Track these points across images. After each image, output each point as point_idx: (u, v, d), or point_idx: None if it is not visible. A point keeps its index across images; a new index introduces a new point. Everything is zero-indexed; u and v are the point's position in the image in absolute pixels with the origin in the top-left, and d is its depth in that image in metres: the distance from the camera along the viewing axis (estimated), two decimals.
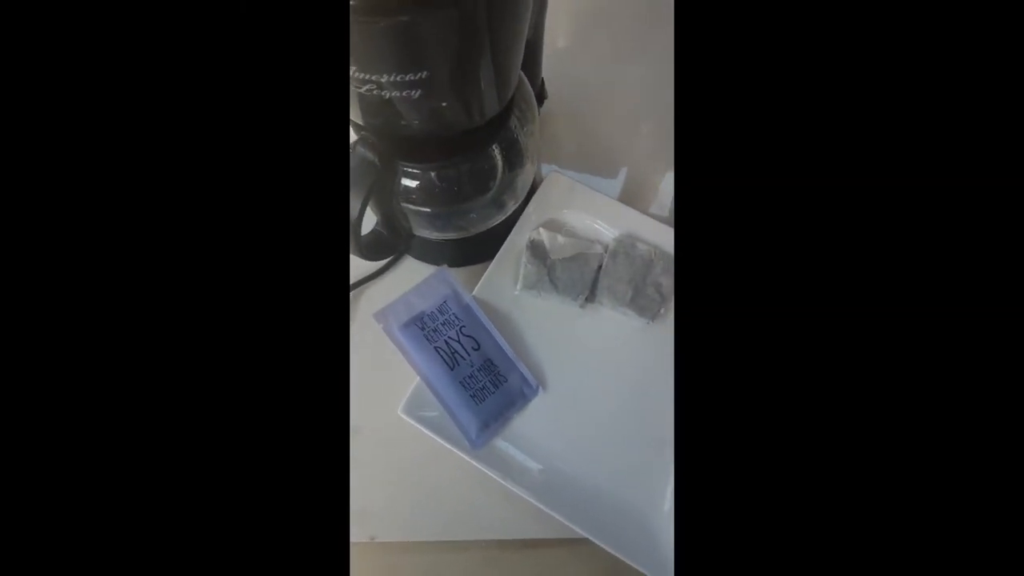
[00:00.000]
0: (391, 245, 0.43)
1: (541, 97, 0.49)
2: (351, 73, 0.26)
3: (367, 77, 0.26)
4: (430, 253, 0.46)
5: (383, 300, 0.43)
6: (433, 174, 0.39)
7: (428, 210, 0.41)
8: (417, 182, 0.39)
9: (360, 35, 0.23)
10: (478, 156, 0.40)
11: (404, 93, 0.27)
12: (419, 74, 0.26)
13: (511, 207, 0.44)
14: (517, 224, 0.44)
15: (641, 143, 0.52)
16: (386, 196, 0.37)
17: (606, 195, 0.45)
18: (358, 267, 0.45)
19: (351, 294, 0.46)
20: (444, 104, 0.29)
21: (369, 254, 0.38)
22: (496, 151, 0.41)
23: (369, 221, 0.37)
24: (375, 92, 0.27)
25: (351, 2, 0.21)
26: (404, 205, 0.40)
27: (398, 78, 0.26)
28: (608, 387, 0.41)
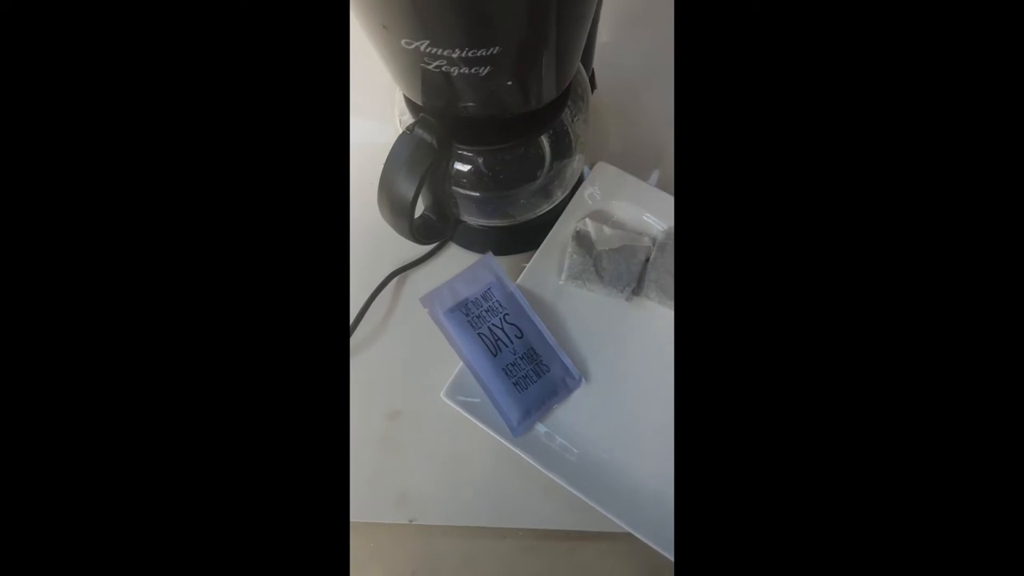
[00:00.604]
0: (439, 230, 0.44)
1: (591, 87, 0.49)
2: (421, 49, 0.26)
3: (439, 52, 0.26)
4: (476, 241, 0.47)
5: (426, 286, 0.44)
6: (483, 159, 0.40)
7: (478, 195, 0.41)
8: (468, 166, 0.39)
9: (435, 8, 0.24)
10: (530, 142, 0.40)
11: (472, 70, 0.27)
12: (490, 50, 0.26)
13: (558, 196, 0.44)
14: (564, 213, 0.44)
15: None
16: (439, 179, 0.37)
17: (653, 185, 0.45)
18: (403, 252, 0.45)
19: (395, 280, 0.46)
20: (508, 84, 0.29)
21: (420, 237, 0.39)
22: (547, 139, 0.41)
23: (417, 209, 0.38)
24: (443, 69, 0.27)
25: None
26: (454, 189, 0.40)
27: (469, 53, 0.26)
28: (652, 382, 0.41)
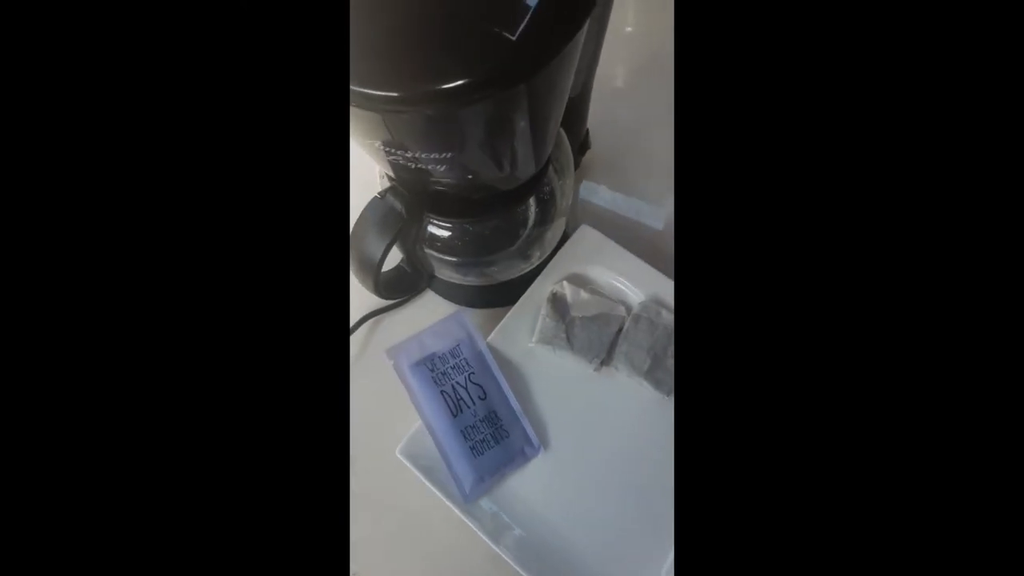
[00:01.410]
0: (412, 283, 0.44)
1: (584, 147, 0.48)
2: (375, 145, 0.26)
3: (392, 151, 0.26)
4: (452, 291, 0.46)
5: (399, 331, 0.44)
6: (457, 227, 0.39)
7: (452, 259, 0.41)
8: (443, 232, 0.39)
9: (383, 120, 0.23)
10: (506, 215, 0.40)
11: (431, 165, 0.27)
12: (444, 154, 0.26)
13: (537, 259, 0.44)
14: (541, 275, 0.43)
15: None
16: (410, 242, 0.37)
17: (635, 255, 0.44)
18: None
19: (369, 323, 0.46)
20: (470, 177, 0.29)
21: (388, 293, 0.39)
22: (527, 206, 0.41)
23: (394, 256, 0.37)
24: (401, 161, 0.27)
25: (376, 92, 0.21)
26: (428, 251, 0.40)
27: (423, 155, 0.26)
28: (612, 457, 0.40)
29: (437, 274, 0.43)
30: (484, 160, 0.28)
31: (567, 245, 0.44)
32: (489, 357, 0.41)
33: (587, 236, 0.44)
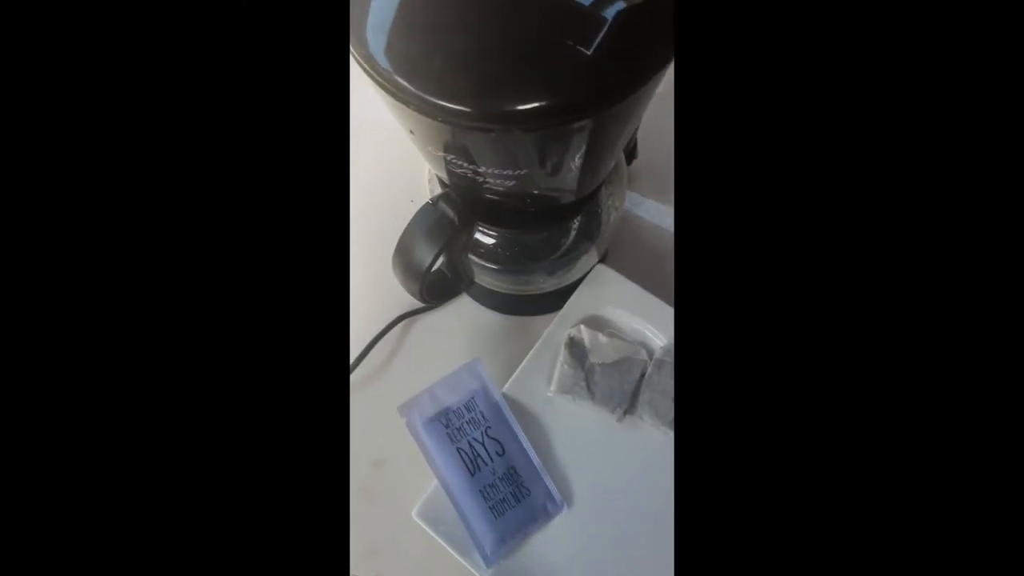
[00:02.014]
0: (452, 287, 0.43)
1: (631, 156, 0.46)
2: (447, 159, 0.25)
3: (464, 165, 0.24)
4: (487, 297, 0.45)
5: (434, 334, 0.44)
6: (504, 236, 0.38)
7: (495, 267, 0.39)
8: (487, 239, 0.38)
9: (459, 135, 0.22)
10: (558, 225, 0.39)
11: (498, 181, 0.25)
12: (517, 171, 0.24)
13: (579, 272, 0.42)
14: (557, 318, 0.41)
15: None
16: (457, 249, 0.36)
17: (655, 294, 0.42)
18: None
19: (405, 321, 0.45)
20: (536, 191, 0.28)
21: (430, 297, 0.38)
22: (575, 223, 0.40)
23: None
24: (468, 175, 0.25)
25: (460, 108, 0.20)
26: (471, 257, 0.39)
27: (494, 170, 0.24)
28: (640, 512, 0.38)
29: (476, 280, 0.42)
30: (552, 178, 0.27)
31: (582, 286, 0.42)
32: (506, 409, 0.40)
33: (603, 276, 0.42)
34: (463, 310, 0.46)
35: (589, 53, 0.20)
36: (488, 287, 0.43)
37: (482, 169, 0.25)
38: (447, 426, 0.39)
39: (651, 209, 0.48)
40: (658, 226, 0.48)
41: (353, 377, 0.43)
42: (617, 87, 0.21)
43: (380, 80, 0.20)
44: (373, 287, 0.43)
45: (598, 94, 0.21)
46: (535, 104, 0.19)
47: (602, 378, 0.39)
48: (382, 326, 0.44)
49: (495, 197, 0.30)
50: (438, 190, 0.34)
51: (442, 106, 0.19)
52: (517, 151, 0.23)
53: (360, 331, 0.43)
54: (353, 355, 0.43)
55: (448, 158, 0.24)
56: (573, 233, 0.40)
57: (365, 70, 0.21)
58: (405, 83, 0.19)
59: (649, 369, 0.40)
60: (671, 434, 0.38)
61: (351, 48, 0.21)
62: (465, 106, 0.19)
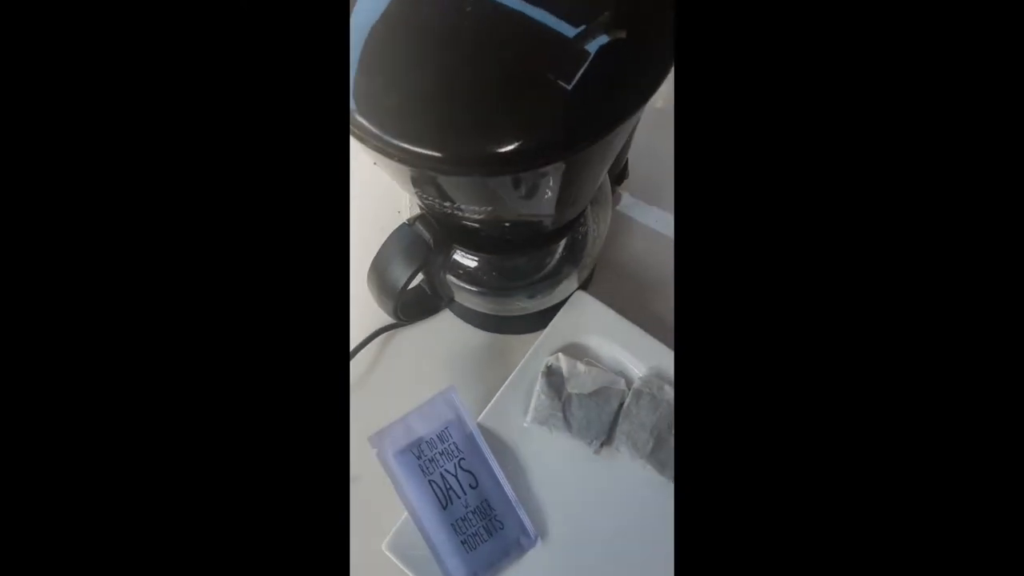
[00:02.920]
0: (431, 306, 0.43)
1: (622, 177, 0.46)
2: (412, 190, 0.24)
3: (431, 200, 0.23)
4: (468, 315, 0.44)
5: (414, 348, 0.43)
6: (483, 260, 0.37)
7: (474, 289, 0.38)
8: (467, 261, 0.37)
9: (424, 175, 0.21)
10: (539, 251, 0.38)
11: (472, 213, 0.24)
12: (489, 208, 0.23)
13: (561, 296, 0.41)
14: (535, 346, 0.41)
15: None
16: (434, 270, 0.36)
17: (634, 323, 0.41)
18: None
19: (380, 338, 0.44)
20: (508, 224, 0.27)
21: (406, 315, 0.38)
22: (557, 247, 0.38)
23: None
24: (437, 207, 0.24)
25: (421, 151, 0.19)
26: (449, 277, 0.38)
27: (466, 206, 0.23)
28: (615, 547, 0.37)
29: (456, 299, 0.41)
30: (529, 209, 0.27)
31: (561, 312, 0.41)
32: (480, 440, 0.39)
33: (582, 303, 0.41)
34: (443, 325, 0.45)
35: (569, 88, 0.19)
36: (468, 306, 0.43)
37: (452, 204, 0.24)
38: (419, 457, 0.38)
39: (639, 231, 0.48)
40: (643, 251, 0.47)
41: None
42: (598, 123, 0.20)
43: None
44: (353, 299, 0.42)
45: (576, 133, 0.20)
46: (505, 147, 0.18)
47: (579, 408, 0.39)
48: (361, 338, 0.43)
49: (472, 224, 0.29)
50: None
51: (402, 148, 0.18)
52: (488, 190, 0.22)
53: None
54: None
55: (418, 192, 0.23)
56: (555, 257, 0.40)
57: None
58: (363, 121, 0.18)
59: (627, 400, 0.39)
60: (649, 467, 0.38)
61: None
62: (426, 149, 0.18)
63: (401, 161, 0.18)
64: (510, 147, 0.18)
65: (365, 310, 0.40)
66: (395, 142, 0.18)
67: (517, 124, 0.18)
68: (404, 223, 0.30)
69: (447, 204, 0.24)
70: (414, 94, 0.18)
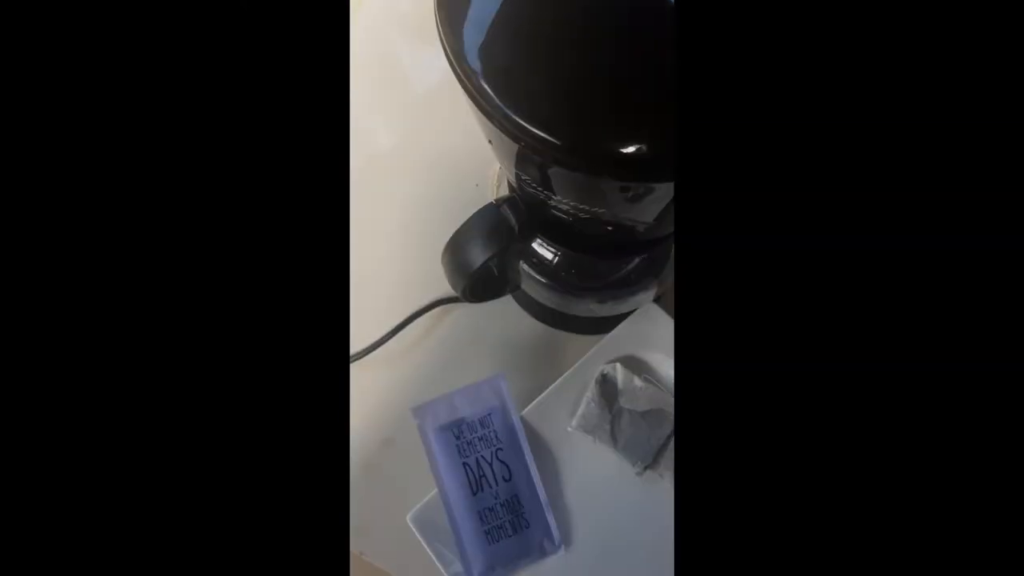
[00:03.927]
0: (497, 289, 0.42)
1: None
2: (522, 177, 0.23)
3: (539, 190, 0.22)
4: (530, 304, 0.43)
5: (470, 324, 0.43)
6: (562, 254, 0.35)
7: (544, 280, 0.37)
8: (544, 252, 0.35)
9: (541, 163, 0.20)
10: (623, 257, 0.36)
11: (571, 208, 0.23)
12: (595, 208, 0.22)
13: (631, 306, 0.39)
14: (594, 349, 0.39)
15: None
16: (511, 254, 0.35)
17: None
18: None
19: (438, 309, 0.43)
20: (609, 227, 0.26)
21: (472, 298, 0.37)
22: (641, 258, 0.36)
23: None
24: (541, 197, 0.23)
25: (550, 139, 0.17)
26: (521, 264, 0.37)
27: (571, 204, 0.22)
28: (638, 573, 0.35)
29: (523, 286, 0.40)
30: (630, 215, 0.25)
31: (627, 321, 0.39)
32: (521, 434, 0.38)
33: (651, 315, 0.39)
34: (504, 310, 0.44)
35: None
36: (533, 296, 0.41)
37: (556, 197, 0.22)
38: (458, 437, 0.37)
39: None
40: None
41: (380, 353, 0.42)
42: None
43: (466, 82, 0.18)
44: (420, 264, 0.41)
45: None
46: (637, 151, 0.17)
47: (629, 425, 0.37)
48: (421, 305, 0.42)
49: (563, 217, 0.27)
50: (505, 186, 0.32)
51: (530, 131, 0.17)
52: (600, 191, 0.21)
53: (396, 307, 0.42)
54: (386, 330, 0.42)
55: (523, 177, 0.22)
56: (635, 266, 0.37)
57: (452, 65, 0.18)
58: (493, 95, 0.17)
59: None
60: None
61: (440, 36, 0.18)
62: (556, 138, 0.17)
63: (525, 146, 0.17)
64: (642, 152, 0.16)
65: (429, 278, 0.40)
66: (524, 124, 0.17)
67: (655, 129, 0.16)
68: (491, 203, 0.29)
69: (542, 192, 0.23)
70: (552, 78, 0.17)
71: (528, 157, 0.19)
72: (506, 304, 0.44)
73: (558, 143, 0.16)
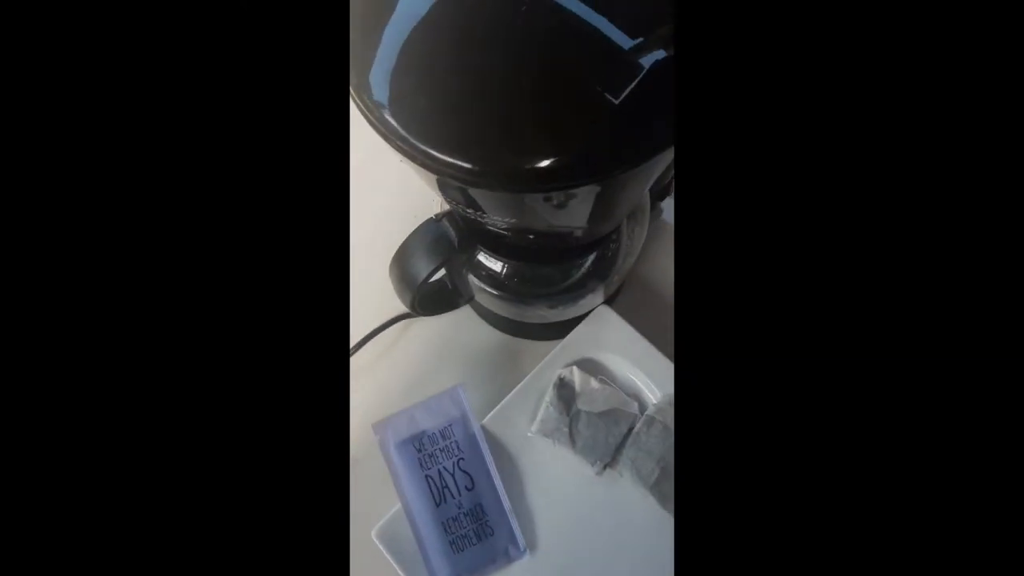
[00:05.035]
0: (451, 301, 0.42)
1: (665, 193, 0.44)
2: (436, 196, 0.23)
3: (459, 205, 0.23)
4: (488, 315, 0.43)
5: (429, 338, 0.43)
6: (509, 265, 0.36)
7: (495, 292, 0.38)
8: (491, 264, 0.36)
9: (463, 191, 0.20)
10: (566, 263, 0.37)
11: (495, 221, 0.24)
12: (516, 221, 0.22)
13: (585, 308, 0.40)
14: (550, 355, 0.40)
15: None
16: (456, 268, 0.35)
17: (656, 346, 0.39)
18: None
19: (398, 325, 0.43)
20: (532, 236, 0.26)
21: (424, 309, 0.37)
22: (586, 261, 0.37)
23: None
24: (463, 212, 0.23)
25: (446, 159, 0.18)
26: (470, 277, 0.37)
27: (493, 216, 0.23)
28: (603, 570, 0.36)
29: (476, 298, 0.41)
30: (556, 224, 0.25)
31: (581, 325, 0.40)
32: (483, 442, 0.38)
33: (604, 318, 0.40)
34: (462, 320, 0.44)
35: (616, 102, 0.18)
36: (487, 307, 0.42)
37: (477, 212, 0.23)
38: (419, 450, 0.38)
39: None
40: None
41: None
42: (643, 145, 0.18)
43: (369, 116, 0.18)
44: (381, 281, 0.41)
45: (618, 154, 0.18)
46: (537, 163, 0.17)
47: (587, 427, 0.38)
48: (380, 322, 0.43)
49: (499, 231, 0.28)
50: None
51: (427, 153, 0.17)
52: (516, 203, 0.21)
53: (359, 324, 0.42)
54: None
55: (447, 199, 0.23)
56: (582, 270, 0.38)
57: (355, 101, 0.19)
58: (392, 121, 0.17)
59: (638, 425, 0.38)
60: (650, 498, 0.36)
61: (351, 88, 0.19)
62: (451, 157, 0.17)
63: (425, 167, 0.17)
64: (543, 163, 0.17)
65: (386, 295, 0.41)
66: (421, 146, 0.17)
67: (553, 138, 0.17)
68: (431, 218, 0.30)
69: (471, 211, 0.23)
70: (445, 97, 0.17)
71: (445, 182, 0.19)
72: (465, 315, 0.44)
73: (453, 161, 0.17)
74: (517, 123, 0.17)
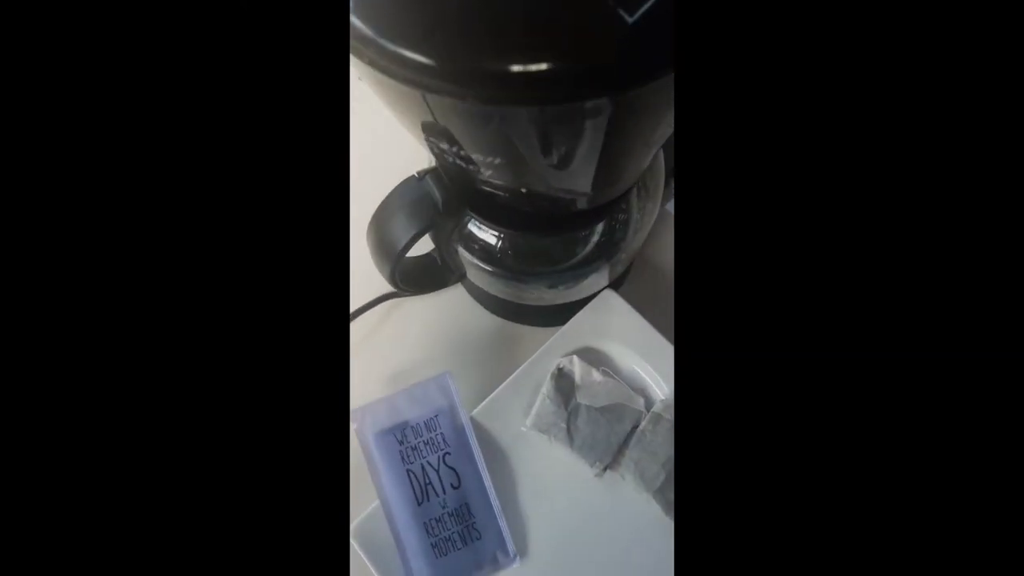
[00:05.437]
0: (440, 279, 0.39)
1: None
2: (412, 124, 0.20)
3: (442, 145, 0.19)
4: (482, 296, 0.39)
5: (417, 320, 0.39)
6: (504, 235, 0.32)
7: (488, 268, 0.34)
8: (483, 234, 0.32)
9: (428, 101, 0.17)
10: (566, 235, 0.33)
11: (490, 170, 0.20)
12: (507, 161, 0.19)
13: (588, 291, 0.36)
14: (548, 343, 0.36)
15: None
16: (443, 237, 0.31)
17: (665, 337, 0.36)
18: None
19: (385, 305, 0.40)
20: (524, 190, 0.23)
21: (408, 284, 0.34)
22: (592, 234, 0.33)
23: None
24: (453, 161, 0.20)
25: (420, 59, 0.14)
26: (461, 251, 0.33)
27: (479, 156, 0.19)
28: None
29: (468, 276, 0.37)
30: (558, 175, 0.22)
31: (584, 311, 0.36)
32: (471, 436, 0.35)
33: (609, 304, 0.36)
34: (454, 301, 0.41)
35: (630, 22, 0.15)
36: (481, 286, 0.38)
37: (464, 153, 0.19)
38: (401, 442, 0.34)
39: None
40: None
41: None
42: (657, 60, 0.15)
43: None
44: (367, 259, 0.37)
45: (629, 67, 0.15)
46: (526, 66, 0.14)
47: (587, 423, 0.34)
48: (364, 301, 0.39)
49: (490, 190, 0.24)
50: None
51: (396, 54, 0.14)
52: (504, 131, 0.17)
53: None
54: None
55: (425, 136, 0.19)
56: (586, 246, 0.34)
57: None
58: (358, 22, 0.14)
59: (643, 423, 0.34)
60: (654, 504, 0.33)
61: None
62: (427, 58, 0.14)
63: (385, 72, 0.14)
64: (533, 67, 0.13)
65: (370, 274, 0.37)
66: (389, 47, 0.14)
67: (549, 42, 0.14)
68: (412, 176, 0.26)
69: (460, 155, 0.20)
70: (441, 8, 0.13)
71: (411, 98, 0.16)
72: (456, 295, 0.41)
73: (428, 62, 0.13)
74: (503, 21, 0.13)
